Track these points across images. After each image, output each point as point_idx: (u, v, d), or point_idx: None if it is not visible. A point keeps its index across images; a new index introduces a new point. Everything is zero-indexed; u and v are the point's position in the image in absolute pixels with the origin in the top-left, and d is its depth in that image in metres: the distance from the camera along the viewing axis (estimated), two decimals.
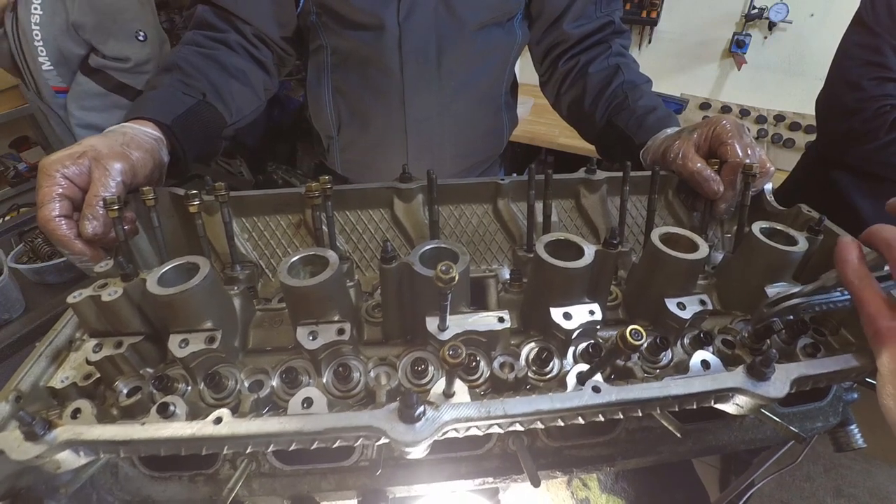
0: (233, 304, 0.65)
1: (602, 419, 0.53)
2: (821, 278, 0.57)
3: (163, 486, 0.69)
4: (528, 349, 0.63)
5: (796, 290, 0.60)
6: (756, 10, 2.79)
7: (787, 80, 2.93)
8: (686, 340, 0.65)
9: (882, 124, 1.40)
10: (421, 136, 1.25)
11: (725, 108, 3.04)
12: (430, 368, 0.61)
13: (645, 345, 0.61)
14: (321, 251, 0.59)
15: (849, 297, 0.55)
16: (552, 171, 0.79)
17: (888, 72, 1.40)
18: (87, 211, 0.68)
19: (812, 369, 0.54)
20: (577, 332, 0.59)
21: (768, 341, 0.63)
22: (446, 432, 0.49)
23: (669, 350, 0.63)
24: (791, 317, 0.61)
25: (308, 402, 0.53)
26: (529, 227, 0.81)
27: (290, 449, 0.50)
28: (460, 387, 0.52)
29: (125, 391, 0.59)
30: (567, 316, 0.59)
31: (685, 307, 0.62)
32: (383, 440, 0.48)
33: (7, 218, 1.80)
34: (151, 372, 0.61)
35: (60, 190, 0.68)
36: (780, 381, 0.52)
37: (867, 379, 0.62)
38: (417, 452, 0.50)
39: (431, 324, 0.57)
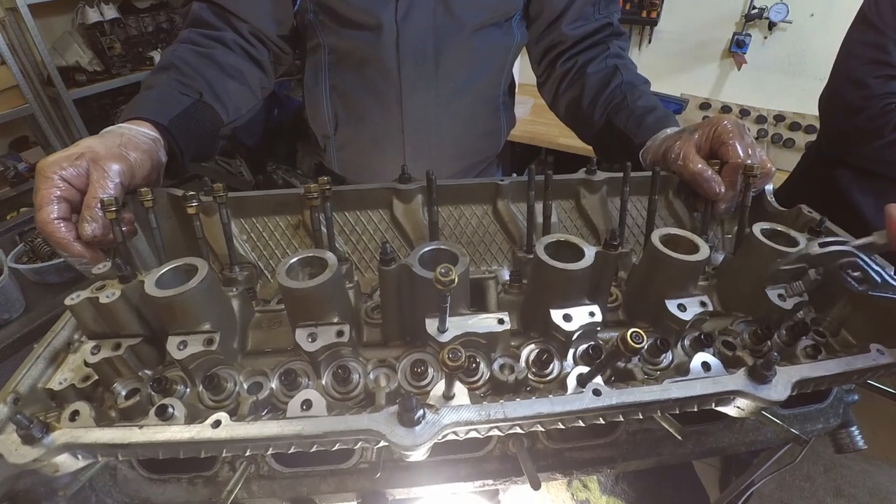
0: (231, 305, 0.65)
1: (602, 422, 0.52)
2: (873, 235, 0.59)
3: (162, 488, 0.69)
4: (528, 351, 0.62)
5: (846, 237, 0.62)
6: (756, 10, 2.79)
7: (787, 80, 2.93)
8: (687, 342, 0.65)
9: (887, 122, 1.40)
10: (418, 136, 1.25)
11: (725, 108, 3.03)
12: (430, 370, 0.61)
13: (645, 347, 0.61)
14: (320, 252, 0.59)
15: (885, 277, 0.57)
16: (552, 171, 0.79)
17: (893, 70, 1.39)
18: (85, 213, 0.68)
19: (813, 372, 0.54)
20: (578, 333, 0.59)
21: (769, 343, 0.63)
22: (446, 436, 0.49)
23: (670, 352, 0.63)
24: (814, 277, 0.62)
25: (307, 404, 0.53)
26: (529, 228, 0.81)
27: (290, 452, 0.50)
28: (460, 389, 0.51)
29: (123, 393, 0.59)
30: (567, 317, 0.59)
31: (686, 308, 0.61)
32: (383, 443, 0.48)
33: (7, 218, 1.79)
34: (150, 374, 0.61)
35: (58, 192, 0.68)
36: (782, 384, 0.52)
37: (868, 381, 0.62)
38: (417, 456, 0.50)
39: (431, 325, 0.57)
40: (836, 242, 0.61)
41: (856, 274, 0.61)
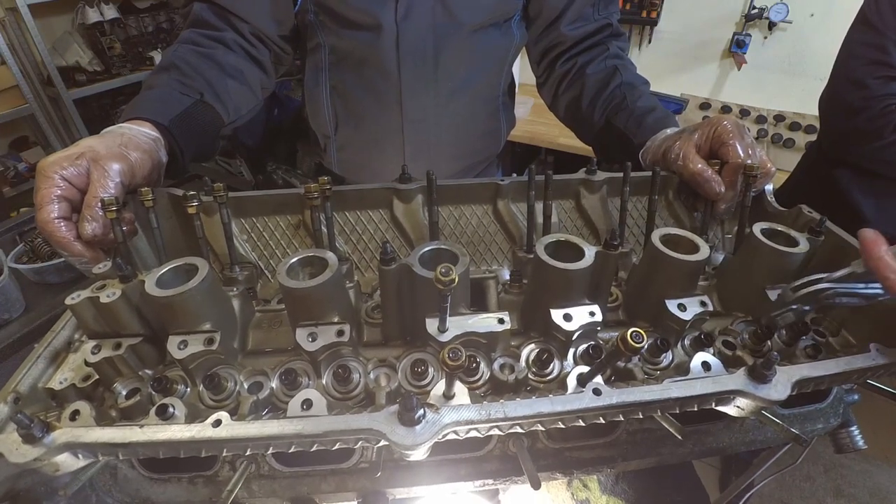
0: (232, 305, 0.65)
1: (602, 421, 0.52)
2: (851, 265, 0.56)
3: (162, 487, 0.69)
4: (529, 350, 0.62)
5: (823, 275, 0.58)
6: (756, 10, 2.79)
7: (787, 80, 2.93)
8: (687, 342, 0.65)
9: (887, 123, 1.40)
10: (418, 136, 1.25)
11: (725, 108, 3.03)
12: (430, 370, 0.61)
13: (645, 347, 0.61)
14: (320, 252, 0.59)
15: (878, 291, 0.54)
16: (552, 171, 0.79)
17: (893, 70, 1.39)
18: (86, 212, 0.68)
19: (813, 371, 0.54)
20: (578, 333, 0.59)
21: (769, 342, 0.63)
22: (446, 435, 0.49)
23: (670, 351, 0.63)
24: (807, 307, 0.60)
25: (307, 403, 0.53)
26: (529, 228, 0.81)
27: (290, 451, 0.50)
28: (460, 388, 0.52)
29: (124, 393, 0.59)
30: (567, 317, 0.59)
31: (686, 308, 0.62)
32: (383, 442, 0.48)
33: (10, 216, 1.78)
34: (150, 373, 0.61)
35: (59, 192, 0.68)
36: (782, 384, 0.52)
37: (868, 381, 0.62)
38: (417, 455, 0.50)
39: (431, 325, 0.57)
40: (810, 283, 0.58)
41: (845, 300, 0.58)
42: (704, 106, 3.09)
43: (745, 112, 2.99)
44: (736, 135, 0.81)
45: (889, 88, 1.40)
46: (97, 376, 0.59)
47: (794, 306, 0.61)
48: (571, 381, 0.53)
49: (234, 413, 0.54)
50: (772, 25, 2.80)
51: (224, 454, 0.53)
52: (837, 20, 2.48)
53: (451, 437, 0.50)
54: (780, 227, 0.66)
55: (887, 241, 0.53)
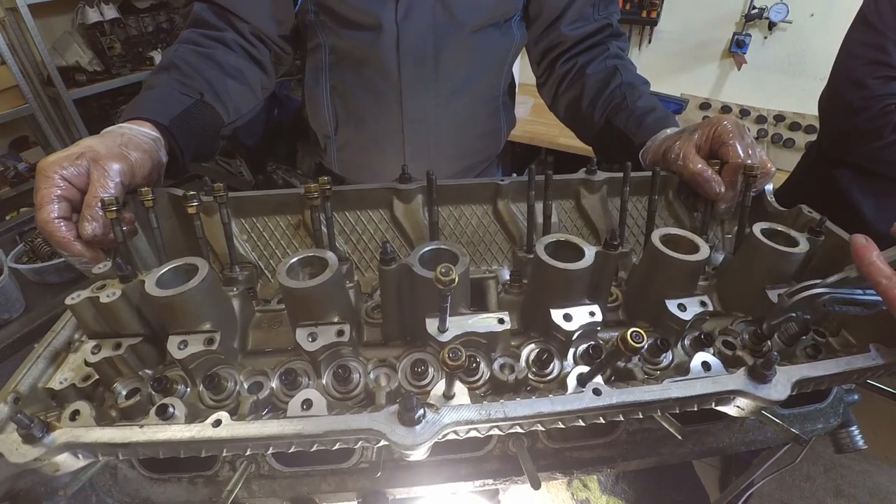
0: (232, 305, 0.65)
1: (602, 421, 0.52)
2: (845, 270, 0.56)
3: (162, 487, 0.69)
4: (529, 350, 0.62)
5: (817, 281, 0.58)
6: (756, 10, 2.79)
7: (787, 80, 2.93)
8: (687, 342, 0.65)
9: (886, 123, 1.40)
10: (418, 136, 1.25)
11: (725, 108, 3.03)
12: (430, 370, 0.61)
13: (645, 347, 0.61)
14: (320, 252, 0.59)
15: (877, 298, 0.54)
16: (552, 171, 0.79)
17: (893, 70, 1.39)
18: (86, 212, 0.68)
19: (813, 371, 0.54)
20: (578, 333, 0.59)
21: (769, 342, 0.63)
22: (446, 435, 0.49)
23: (670, 351, 0.63)
24: (807, 315, 0.60)
25: (307, 403, 0.53)
26: (529, 228, 0.81)
27: (290, 451, 0.50)
28: (460, 388, 0.52)
29: (124, 393, 0.59)
30: (567, 317, 0.59)
31: (686, 308, 0.62)
32: (383, 442, 0.48)
33: (7, 218, 1.79)
34: (150, 373, 0.61)
35: (59, 191, 0.68)
36: (782, 384, 0.52)
37: (868, 381, 0.62)
38: (417, 455, 0.50)
39: (431, 325, 0.57)
40: (805, 288, 0.58)
41: (847, 307, 0.57)
42: (704, 106, 3.09)
43: (745, 112, 2.99)
44: (736, 135, 0.81)
45: (889, 88, 1.40)
46: (97, 376, 0.59)
47: (793, 314, 0.61)
48: (571, 381, 0.53)
49: (234, 413, 0.54)
50: (772, 25, 2.80)
51: (224, 454, 0.53)
52: (837, 20, 2.48)
53: (451, 437, 0.50)
54: (780, 227, 0.66)
55: (887, 242, 0.53)
